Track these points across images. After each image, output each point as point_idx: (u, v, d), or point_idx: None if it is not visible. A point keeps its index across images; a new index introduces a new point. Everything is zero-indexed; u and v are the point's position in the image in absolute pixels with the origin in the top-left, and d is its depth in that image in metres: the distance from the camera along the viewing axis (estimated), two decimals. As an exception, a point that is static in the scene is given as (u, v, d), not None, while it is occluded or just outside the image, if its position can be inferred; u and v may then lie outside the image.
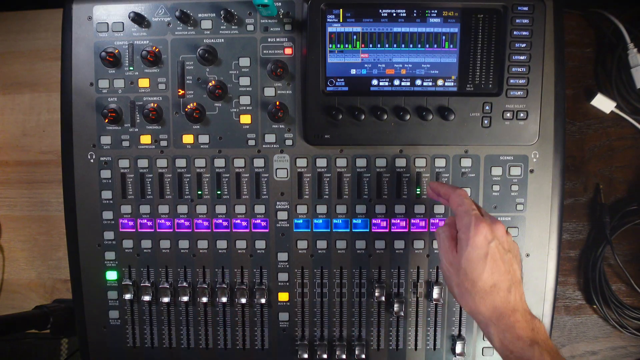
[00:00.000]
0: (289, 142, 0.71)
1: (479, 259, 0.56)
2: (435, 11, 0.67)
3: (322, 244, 0.72)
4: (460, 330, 0.73)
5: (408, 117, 0.68)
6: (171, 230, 0.72)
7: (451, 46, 0.68)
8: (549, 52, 0.69)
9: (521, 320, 0.55)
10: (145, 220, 0.72)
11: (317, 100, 0.68)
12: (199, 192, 0.72)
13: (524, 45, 0.67)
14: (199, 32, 0.70)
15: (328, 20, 0.67)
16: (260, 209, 0.72)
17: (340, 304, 0.73)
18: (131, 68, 0.71)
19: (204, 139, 0.71)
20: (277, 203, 0.72)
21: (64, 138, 0.72)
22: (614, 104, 0.80)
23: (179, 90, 0.71)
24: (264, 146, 0.71)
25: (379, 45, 0.68)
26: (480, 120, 0.68)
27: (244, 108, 0.71)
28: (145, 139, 0.71)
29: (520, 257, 0.61)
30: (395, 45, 0.68)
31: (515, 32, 0.67)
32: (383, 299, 0.72)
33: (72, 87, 0.71)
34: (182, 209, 0.72)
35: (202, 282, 0.72)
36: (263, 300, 0.72)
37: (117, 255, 0.73)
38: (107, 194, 0.72)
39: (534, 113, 0.68)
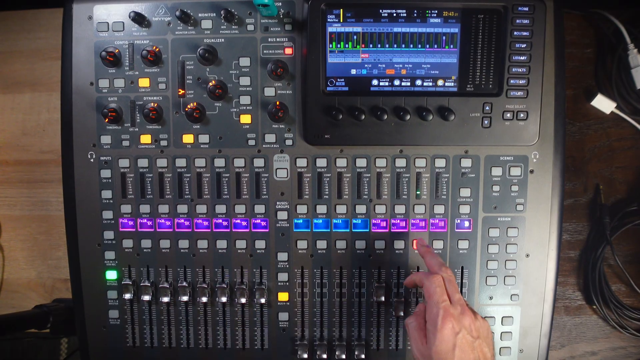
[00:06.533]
0: (289, 142, 0.71)
1: (447, 351, 0.57)
2: (436, 11, 0.67)
3: (322, 244, 0.72)
4: (460, 330, 0.73)
5: (408, 117, 0.68)
6: (171, 230, 0.72)
7: (451, 46, 0.68)
8: (549, 52, 0.69)
9: None
10: (145, 220, 0.72)
11: (317, 100, 0.68)
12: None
13: (524, 45, 0.67)
14: (199, 31, 0.70)
15: (328, 20, 0.67)
16: (260, 208, 0.72)
17: (340, 304, 0.73)
18: (131, 68, 0.71)
19: (204, 138, 0.71)
20: (277, 203, 0.72)
21: (64, 137, 0.72)
22: (614, 105, 0.80)
23: (179, 90, 0.71)
24: (264, 146, 0.71)
25: (379, 46, 0.68)
26: (481, 120, 0.68)
27: (244, 108, 0.71)
28: (145, 139, 0.71)
29: (491, 335, 0.63)
30: (395, 46, 0.68)
31: (515, 33, 0.67)
32: (383, 299, 0.72)
33: (72, 87, 0.71)
34: (182, 208, 0.72)
35: (202, 282, 0.72)
36: (263, 300, 0.72)
37: (117, 255, 0.73)
38: (107, 194, 0.72)
39: (534, 113, 0.68)
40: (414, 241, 0.70)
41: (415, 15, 0.67)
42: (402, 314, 0.72)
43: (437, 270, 0.63)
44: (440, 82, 0.69)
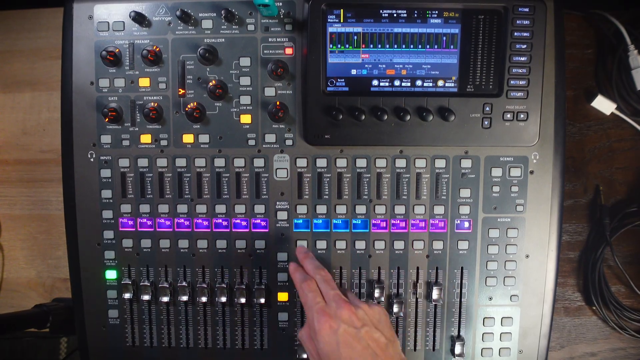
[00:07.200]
0: (289, 142, 0.71)
1: (333, 350, 0.56)
2: (436, 12, 0.67)
3: (321, 244, 0.72)
4: (459, 331, 0.73)
5: (408, 117, 0.68)
6: (171, 229, 0.72)
7: (452, 47, 0.68)
8: (549, 53, 0.69)
9: None
10: (145, 220, 0.72)
11: (318, 100, 0.68)
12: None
13: (524, 46, 0.67)
14: (200, 31, 0.70)
15: (329, 20, 0.67)
16: (260, 208, 0.72)
17: (340, 304, 0.73)
18: (132, 67, 0.71)
19: (204, 138, 0.71)
20: (277, 203, 0.72)
21: (64, 137, 0.72)
22: (615, 106, 0.80)
23: (180, 89, 0.71)
24: (264, 146, 0.71)
25: (379, 46, 0.68)
26: (481, 121, 0.68)
27: (244, 108, 0.71)
28: (146, 138, 0.71)
29: (385, 318, 0.61)
30: (395, 46, 0.68)
31: (515, 33, 0.67)
32: (383, 299, 0.72)
33: (72, 86, 0.71)
34: (182, 208, 0.72)
35: (202, 282, 0.72)
36: (262, 300, 0.72)
37: (117, 255, 0.73)
38: (107, 193, 0.72)
39: (534, 114, 0.68)
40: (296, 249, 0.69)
41: (415, 15, 0.67)
42: (402, 314, 0.72)
43: (314, 274, 0.63)
44: (440, 83, 0.69)
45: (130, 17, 0.68)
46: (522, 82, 0.68)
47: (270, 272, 0.73)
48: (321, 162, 0.71)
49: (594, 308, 0.83)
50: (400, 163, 0.71)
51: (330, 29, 0.68)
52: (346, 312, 0.58)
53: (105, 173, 0.72)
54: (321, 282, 0.62)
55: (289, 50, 0.70)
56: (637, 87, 0.78)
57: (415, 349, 0.73)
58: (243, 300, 0.72)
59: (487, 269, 0.72)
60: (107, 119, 0.69)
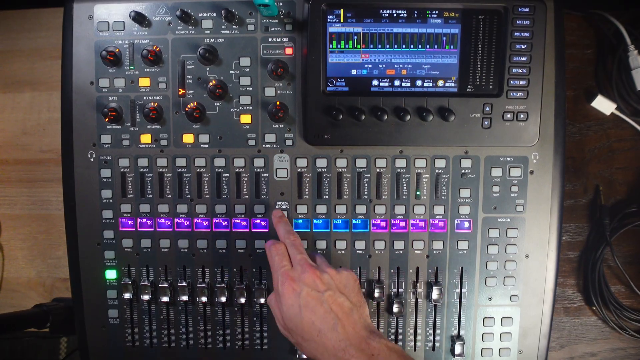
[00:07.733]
0: (289, 142, 0.71)
1: (295, 314, 0.57)
2: (436, 12, 0.67)
3: (321, 244, 0.72)
4: (459, 331, 0.73)
5: (408, 117, 0.68)
6: (171, 229, 0.72)
7: (452, 47, 0.68)
8: (549, 53, 0.69)
9: (355, 354, 0.54)
10: (145, 220, 0.72)
11: (318, 100, 0.68)
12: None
13: (524, 46, 0.67)
14: (200, 31, 0.70)
15: (329, 20, 0.67)
16: (260, 208, 0.72)
17: (340, 304, 0.73)
18: (132, 67, 0.71)
19: (204, 138, 0.71)
20: (277, 203, 0.72)
21: (64, 137, 0.72)
22: (615, 106, 0.80)
23: (180, 89, 0.71)
24: (264, 146, 0.71)
25: (379, 46, 0.68)
26: (481, 121, 0.68)
27: (244, 108, 0.71)
28: (146, 138, 0.71)
29: (352, 283, 0.61)
30: (395, 46, 0.68)
31: (515, 33, 0.67)
32: (383, 299, 0.72)
33: (72, 86, 0.71)
34: (182, 208, 0.72)
35: (202, 282, 0.72)
36: (262, 300, 0.72)
37: (117, 254, 0.73)
38: (107, 193, 0.72)
39: (534, 114, 0.68)
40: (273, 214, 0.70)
41: (415, 15, 0.67)
42: (401, 314, 0.72)
43: (284, 238, 0.64)
44: (440, 83, 0.69)
45: (130, 17, 0.68)
46: (522, 82, 0.68)
47: (270, 272, 0.72)
48: (321, 162, 0.71)
49: (594, 308, 0.83)
50: (400, 163, 0.71)
51: (330, 29, 0.68)
52: (310, 276, 0.58)
53: (105, 173, 0.72)
54: (290, 246, 0.63)
55: (289, 50, 0.70)
56: (637, 87, 0.78)
57: (415, 349, 0.73)
58: (243, 300, 0.72)
59: (487, 269, 0.72)
60: (107, 119, 0.69)
